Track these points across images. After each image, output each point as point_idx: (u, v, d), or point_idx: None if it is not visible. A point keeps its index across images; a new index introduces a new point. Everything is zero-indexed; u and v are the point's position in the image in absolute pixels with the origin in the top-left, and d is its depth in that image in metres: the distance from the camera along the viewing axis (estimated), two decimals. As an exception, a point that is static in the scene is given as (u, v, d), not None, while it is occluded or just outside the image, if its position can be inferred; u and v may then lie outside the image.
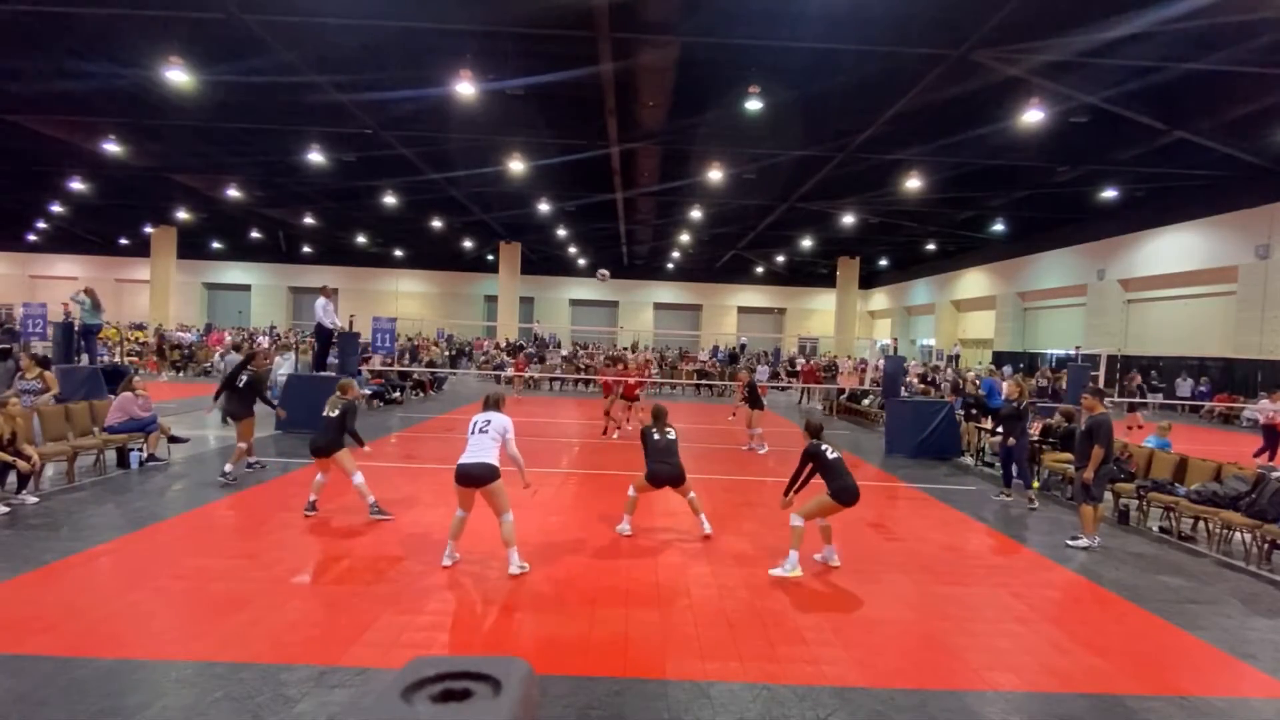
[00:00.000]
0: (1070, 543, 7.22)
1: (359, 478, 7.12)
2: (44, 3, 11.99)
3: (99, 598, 4.88)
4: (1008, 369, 27.06)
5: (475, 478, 5.51)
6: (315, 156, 20.70)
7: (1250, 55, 12.28)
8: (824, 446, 6.01)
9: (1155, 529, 8.07)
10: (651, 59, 13.79)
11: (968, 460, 12.52)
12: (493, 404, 5.94)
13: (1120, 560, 6.82)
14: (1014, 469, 9.26)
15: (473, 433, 5.69)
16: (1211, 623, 5.30)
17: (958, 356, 31.21)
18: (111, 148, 20.99)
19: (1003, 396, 15.19)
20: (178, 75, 14.13)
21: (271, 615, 4.71)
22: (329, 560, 5.84)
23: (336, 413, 7.12)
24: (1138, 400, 18.41)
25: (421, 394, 20.15)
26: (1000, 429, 9.70)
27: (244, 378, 8.82)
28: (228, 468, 8.44)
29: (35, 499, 7.18)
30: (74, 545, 5.89)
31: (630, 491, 6.90)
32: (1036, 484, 10.42)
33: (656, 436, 6.76)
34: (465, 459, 5.56)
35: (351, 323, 14.71)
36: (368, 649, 4.28)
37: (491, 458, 5.56)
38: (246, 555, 5.89)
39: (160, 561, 5.67)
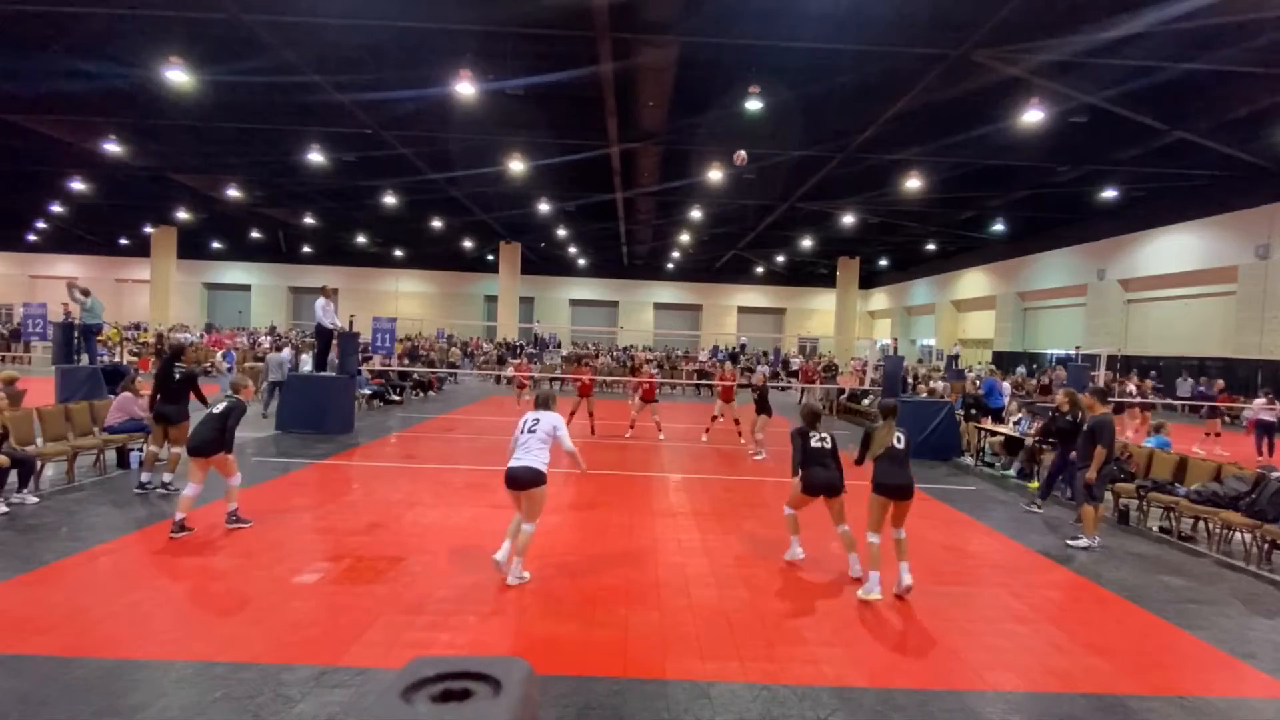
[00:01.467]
0: (1070, 542, 7.22)
1: (236, 480, 6.68)
2: (44, 2, 11.99)
3: (99, 598, 4.88)
4: (1021, 369, 27.01)
5: (520, 481, 5.33)
6: (315, 156, 20.68)
7: (1250, 55, 12.27)
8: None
9: (1155, 529, 8.07)
10: (651, 59, 13.78)
11: (968, 460, 12.52)
12: (543, 403, 5.74)
13: (1120, 560, 6.83)
14: (1057, 481, 8.94)
15: (521, 432, 5.49)
16: (1211, 623, 5.30)
17: (957, 356, 31.17)
18: (111, 148, 20.98)
19: (1007, 399, 15.22)
20: (178, 75, 14.13)
21: (271, 615, 4.71)
22: (329, 560, 5.84)
23: (219, 409, 6.59)
24: (1209, 405, 17.33)
25: (422, 394, 20.15)
26: (1052, 442, 9.40)
27: (176, 375, 8.04)
28: (166, 477, 7.95)
29: (36, 499, 7.18)
30: (74, 545, 5.89)
31: (786, 511, 6.28)
32: (1035, 484, 10.42)
33: (815, 443, 5.98)
34: (513, 462, 5.37)
35: (351, 323, 14.70)
36: (368, 649, 4.28)
37: (538, 461, 5.35)
38: (247, 555, 5.89)
39: (160, 561, 5.67)
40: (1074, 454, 8.28)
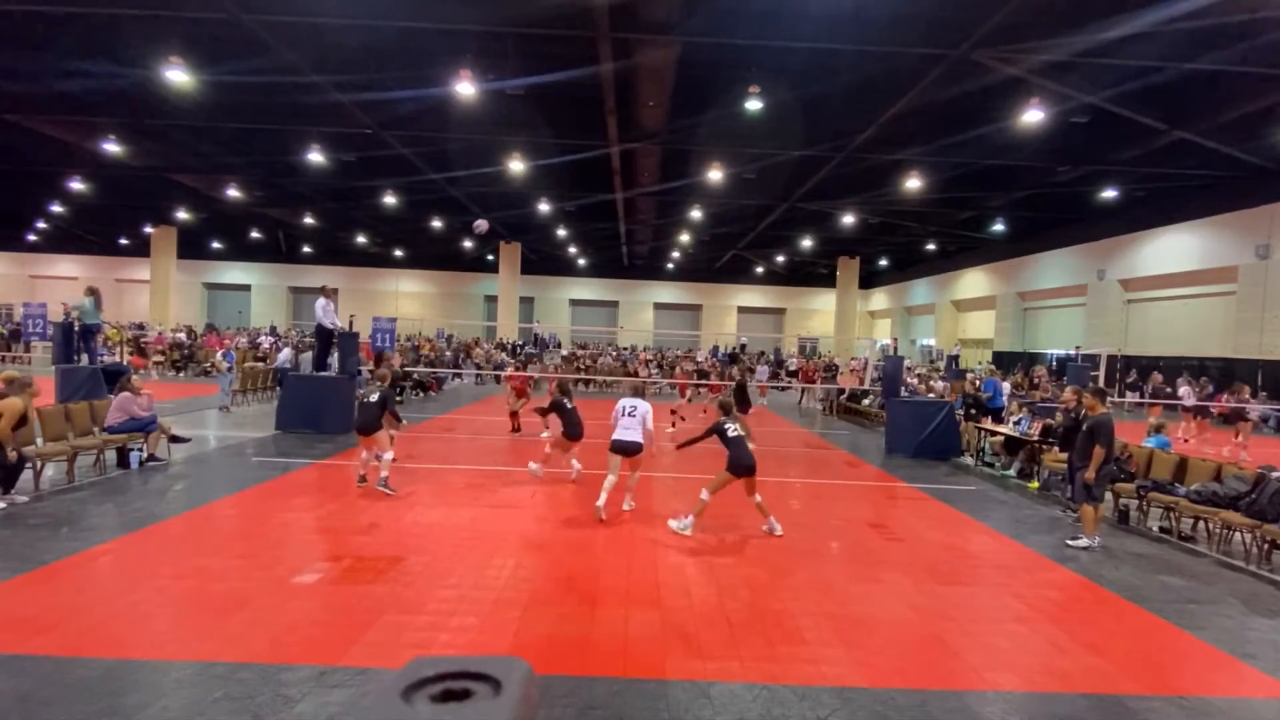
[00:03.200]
0: (1070, 542, 7.22)
1: (389, 455, 8.10)
2: (44, 2, 11.99)
3: (99, 598, 4.88)
4: (1040, 370, 26.88)
5: (628, 450, 7.45)
6: (315, 156, 20.66)
7: (1250, 55, 12.27)
8: (727, 425, 7.20)
9: (1155, 529, 8.07)
10: (651, 59, 13.78)
11: (968, 460, 12.52)
12: (638, 391, 7.22)
13: (1120, 560, 6.83)
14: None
15: (622, 415, 7.56)
16: (1211, 623, 5.31)
17: (958, 356, 31.17)
18: (111, 148, 20.97)
19: (1006, 398, 15.23)
20: (178, 75, 14.13)
21: (271, 615, 4.71)
22: (329, 560, 5.84)
23: (375, 398, 8.15)
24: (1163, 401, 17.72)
25: (422, 394, 20.14)
26: (1053, 441, 9.32)
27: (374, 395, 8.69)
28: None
29: (25, 498, 7.15)
30: (74, 545, 5.89)
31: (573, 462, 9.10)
32: (1035, 484, 10.44)
33: (569, 405, 8.66)
34: (620, 436, 7.48)
35: (351, 323, 14.71)
36: (368, 649, 4.28)
37: (640, 436, 7.49)
38: (247, 555, 5.89)
39: (160, 561, 5.67)
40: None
